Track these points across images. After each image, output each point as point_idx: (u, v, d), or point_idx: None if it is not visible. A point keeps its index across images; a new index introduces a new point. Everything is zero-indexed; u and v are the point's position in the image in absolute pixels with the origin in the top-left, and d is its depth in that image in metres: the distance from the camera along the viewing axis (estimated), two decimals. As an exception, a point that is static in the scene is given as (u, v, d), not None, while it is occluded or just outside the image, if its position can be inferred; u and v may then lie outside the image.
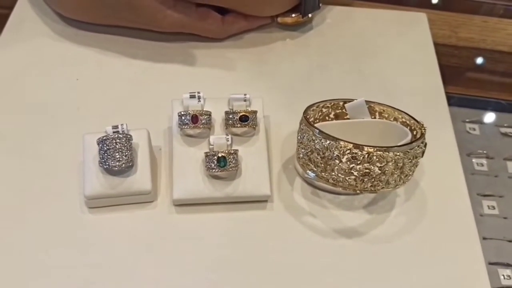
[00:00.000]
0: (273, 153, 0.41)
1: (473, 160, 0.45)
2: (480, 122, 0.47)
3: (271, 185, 0.39)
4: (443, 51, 0.51)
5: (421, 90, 0.46)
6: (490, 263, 0.39)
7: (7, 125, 0.42)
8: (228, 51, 0.48)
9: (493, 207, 0.42)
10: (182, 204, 0.38)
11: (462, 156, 0.44)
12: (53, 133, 0.42)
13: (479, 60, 0.52)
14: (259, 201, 0.39)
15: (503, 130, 0.47)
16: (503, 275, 0.39)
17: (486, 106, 0.48)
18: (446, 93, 0.47)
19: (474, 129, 0.47)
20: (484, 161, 0.45)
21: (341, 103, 0.41)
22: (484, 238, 0.40)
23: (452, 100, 0.47)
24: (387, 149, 0.34)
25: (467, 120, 0.47)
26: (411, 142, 0.36)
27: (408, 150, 0.35)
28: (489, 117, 0.48)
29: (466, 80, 0.50)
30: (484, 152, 0.45)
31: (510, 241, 0.41)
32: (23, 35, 0.48)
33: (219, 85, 0.45)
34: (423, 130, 0.37)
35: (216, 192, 0.38)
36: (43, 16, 0.49)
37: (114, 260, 0.36)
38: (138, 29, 0.47)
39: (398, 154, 0.34)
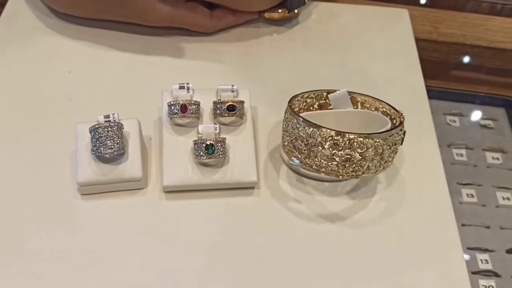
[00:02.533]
0: (259, 142, 0.43)
1: (453, 150, 0.46)
2: (460, 115, 0.49)
3: (258, 173, 0.40)
4: (424, 46, 0.52)
5: (402, 83, 0.48)
6: (469, 248, 0.41)
7: (1, 117, 0.43)
8: (217, 44, 0.49)
9: (472, 195, 0.43)
10: (172, 191, 0.39)
11: (443, 147, 0.45)
12: (46, 124, 0.43)
13: (459, 55, 0.53)
14: (247, 188, 0.40)
15: (482, 122, 0.48)
16: (481, 260, 0.40)
17: (466, 99, 0.50)
18: (427, 86, 0.48)
19: (454, 121, 0.48)
20: (463, 151, 0.46)
21: (325, 94, 0.42)
22: (463, 225, 0.42)
23: (433, 93, 0.49)
24: (367, 135, 0.35)
25: (447, 112, 0.49)
26: (390, 130, 0.37)
27: (387, 137, 0.36)
28: (469, 109, 0.49)
29: (447, 74, 0.52)
30: (464, 143, 0.47)
31: (487, 227, 0.42)
32: (16, 29, 0.48)
33: (208, 77, 0.46)
34: (402, 119, 0.39)
35: (204, 179, 0.39)
36: (35, 11, 0.50)
37: (106, 245, 0.37)
38: (128, 24, 0.48)
39: (378, 140, 0.36)
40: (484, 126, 0.48)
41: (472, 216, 0.42)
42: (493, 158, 0.46)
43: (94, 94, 0.45)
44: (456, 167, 0.45)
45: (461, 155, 0.46)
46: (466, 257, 0.40)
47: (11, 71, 0.46)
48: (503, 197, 0.44)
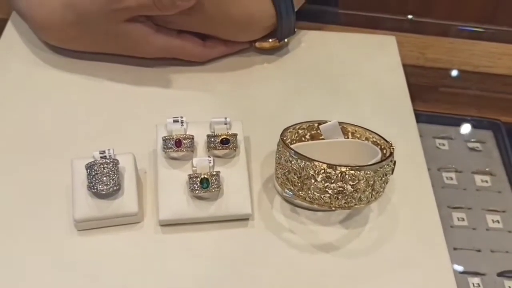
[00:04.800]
0: (253, 172, 0.43)
1: (443, 174, 0.47)
2: (449, 138, 0.49)
3: (252, 204, 0.40)
4: (412, 71, 0.53)
5: (391, 109, 0.49)
6: (460, 272, 0.41)
7: (-4, 152, 0.43)
8: (209, 74, 0.50)
9: (463, 219, 0.44)
10: (168, 224, 0.40)
11: (433, 171, 0.46)
12: (40, 158, 0.43)
13: (447, 80, 0.54)
14: (241, 219, 0.41)
15: (471, 145, 0.49)
16: (473, 284, 0.41)
17: (454, 122, 0.51)
18: (416, 110, 0.49)
19: (443, 145, 0.49)
20: (453, 175, 0.47)
21: (316, 125, 0.43)
22: (455, 249, 0.42)
23: (422, 118, 0.49)
24: (358, 168, 0.36)
25: (436, 136, 0.49)
26: (381, 161, 0.38)
27: (378, 169, 0.37)
28: (458, 133, 0.50)
29: (435, 98, 0.53)
30: (453, 166, 0.48)
31: (479, 250, 0.43)
32: (10, 62, 0.49)
33: (200, 107, 0.47)
34: (391, 149, 0.39)
35: (200, 212, 0.39)
36: (29, 44, 0.50)
37: (104, 280, 0.37)
38: (122, 55, 0.49)
39: (368, 172, 0.36)
40: (473, 149, 0.49)
41: (463, 239, 0.43)
42: (482, 180, 0.47)
43: (88, 127, 0.45)
44: (446, 190, 0.46)
45: (451, 178, 0.47)
46: (459, 281, 0.40)
47: (5, 105, 0.46)
48: (492, 220, 0.44)
